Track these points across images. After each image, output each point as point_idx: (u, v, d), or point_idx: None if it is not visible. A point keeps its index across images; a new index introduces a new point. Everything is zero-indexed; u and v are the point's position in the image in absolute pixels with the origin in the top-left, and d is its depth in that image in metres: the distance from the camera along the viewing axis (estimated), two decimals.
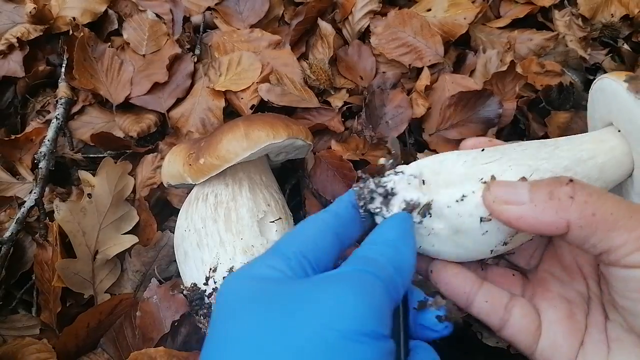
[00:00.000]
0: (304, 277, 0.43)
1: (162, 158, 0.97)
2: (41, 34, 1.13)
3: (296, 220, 0.88)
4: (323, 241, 0.46)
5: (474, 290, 0.52)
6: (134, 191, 0.95)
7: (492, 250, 0.49)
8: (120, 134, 1.04)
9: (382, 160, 0.53)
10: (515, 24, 1.15)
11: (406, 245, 0.45)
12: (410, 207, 0.48)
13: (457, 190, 0.47)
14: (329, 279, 0.40)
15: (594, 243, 0.41)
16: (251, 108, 1.03)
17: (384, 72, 1.08)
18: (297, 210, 0.92)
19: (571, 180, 0.42)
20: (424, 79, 1.03)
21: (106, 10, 1.17)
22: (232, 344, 0.37)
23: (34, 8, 1.10)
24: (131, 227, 0.90)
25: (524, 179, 0.46)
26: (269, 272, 0.42)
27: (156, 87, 1.07)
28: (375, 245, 0.44)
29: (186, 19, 1.18)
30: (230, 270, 0.73)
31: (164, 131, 1.08)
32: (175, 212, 0.91)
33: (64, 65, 1.10)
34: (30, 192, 0.92)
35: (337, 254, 0.47)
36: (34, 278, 0.87)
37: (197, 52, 1.13)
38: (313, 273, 0.44)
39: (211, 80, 1.07)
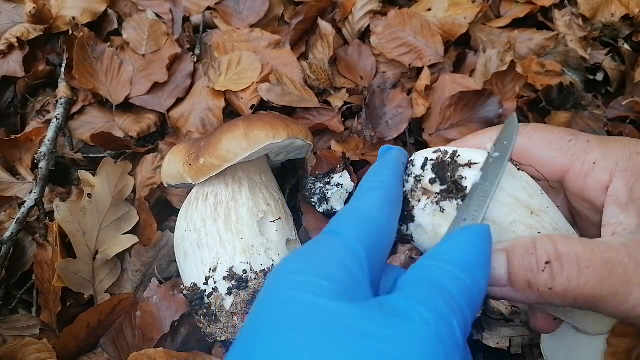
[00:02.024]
0: (364, 297, 0.35)
1: (162, 158, 0.97)
2: (41, 33, 1.13)
3: (296, 220, 0.88)
4: (385, 224, 0.40)
5: None
6: (134, 191, 0.94)
7: None
8: (120, 134, 1.04)
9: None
10: (516, 24, 1.15)
11: (483, 273, 0.38)
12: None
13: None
14: (399, 324, 0.32)
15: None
16: (251, 108, 1.03)
17: (384, 72, 1.08)
18: (297, 210, 0.92)
19: (548, 263, 0.39)
20: (424, 78, 1.03)
21: (106, 10, 1.17)
22: None
23: (34, 8, 1.10)
24: (131, 227, 0.90)
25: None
26: (340, 275, 0.35)
27: (156, 87, 1.07)
28: (447, 266, 0.37)
29: (186, 19, 1.18)
30: (231, 270, 0.73)
31: (164, 131, 1.08)
32: (175, 212, 0.91)
33: (63, 65, 1.10)
34: (30, 192, 0.92)
35: (392, 238, 0.42)
36: (34, 278, 0.87)
37: (197, 52, 1.13)
38: (370, 265, 0.37)
39: (211, 80, 1.07)
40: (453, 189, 0.44)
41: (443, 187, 0.44)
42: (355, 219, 0.40)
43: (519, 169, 0.48)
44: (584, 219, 0.51)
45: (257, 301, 0.36)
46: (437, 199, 0.44)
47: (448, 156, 0.46)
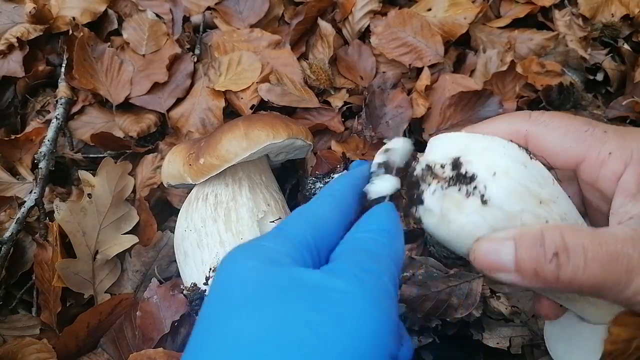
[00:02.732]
0: (311, 265, 0.40)
1: (162, 158, 0.97)
2: (41, 33, 1.13)
3: None
4: (331, 220, 0.44)
5: None
6: (134, 191, 0.94)
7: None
8: (120, 134, 1.04)
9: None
10: (516, 24, 1.15)
11: (399, 234, 0.44)
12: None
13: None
14: (340, 281, 0.36)
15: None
16: (251, 108, 1.03)
17: (384, 72, 1.08)
18: None
19: (556, 254, 0.41)
20: (424, 79, 1.03)
21: (106, 10, 1.17)
22: (238, 342, 0.32)
23: (34, 8, 1.10)
24: (131, 227, 0.90)
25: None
26: (275, 256, 0.38)
27: (156, 87, 1.07)
28: (371, 234, 0.42)
29: (186, 19, 1.18)
30: None
31: (164, 131, 1.08)
32: (175, 212, 0.91)
33: (63, 65, 1.10)
34: (30, 192, 0.92)
35: (342, 232, 0.45)
36: (34, 278, 0.87)
37: (197, 52, 1.13)
38: (318, 255, 0.41)
39: (211, 80, 1.07)
40: (461, 177, 0.45)
41: (452, 174, 0.45)
42: (301, 220, 0.44)
43: (531, 158, 0.48)
44: (595, 209, 0.51)
45: (210, 287, 0.39)
46: (445, 185, 0.45)
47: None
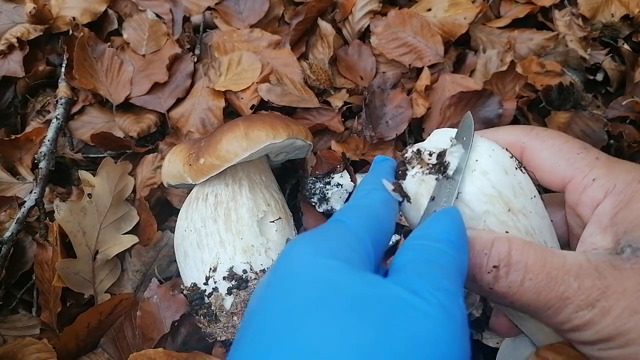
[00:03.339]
0: (373, 263, 0.38)
1: (162, 158, 0.97)
2: (41, 33, 1.13)
3: (296, 220, 0.88)
4: (386, 216, 0.42)
5: None
6: (134, 191, 0.94)
7: None
8: (120, 134, 1.04)
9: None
10: (516, 24, 1.15)
11: (466, 246, 0.41)
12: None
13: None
14: (419, 305, 0.34)
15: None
16: (251, 108, 1.03)
17: (384, 72, 1.08)
18: (297, 210, 0.92)
19: (496, 267, 0.42)
20: (424, 79, 1.03)
21: (106, 10, 1.17)
22: (311, 350, 0.30)
23: (34, 8, 1.10)
24: (131, 227, 0.90)
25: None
26: (346, 253, 0.36)
27: (156, 87, 1.07)
28: (440, 245, 0.39)
29: (186, 19, 1.18)
30: (231, 270, 0.73)
31: (164, 131, 1.08)
32: (175, 212, 0.91)
33: (63, 65, 1.10)
34: (31, 192, 0.92)
35: (391, 234, 0.44)
36: (34, 278, 0.87)
37: (197, 52, 1.13)
38: (374, 252, 0.39)
39: (211, 80, 1.07)
40: (440, 167, 0.46)
41: (434, 162, 0.46)
42: (360, 212, 0.42)
43: (517, 169, 0.48)
44: (574, 236, 0.51)
45: (270, 280, 0.36)
46: (426, 171, 0.46)
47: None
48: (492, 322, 0.56)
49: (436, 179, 0.46)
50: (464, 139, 0.48)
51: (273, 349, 0.30)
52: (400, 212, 0.49)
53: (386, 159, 0.51)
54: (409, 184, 0.47)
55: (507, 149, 0.49)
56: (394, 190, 0.46)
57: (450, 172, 0.45)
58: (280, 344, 0.30)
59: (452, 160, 0.46)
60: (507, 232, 0.45)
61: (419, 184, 0.46)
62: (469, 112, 0.51)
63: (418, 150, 0.48)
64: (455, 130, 0.50)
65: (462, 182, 0.45)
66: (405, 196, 0.47)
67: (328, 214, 0.90)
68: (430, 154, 0.47)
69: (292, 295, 0.33)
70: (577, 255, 0.43)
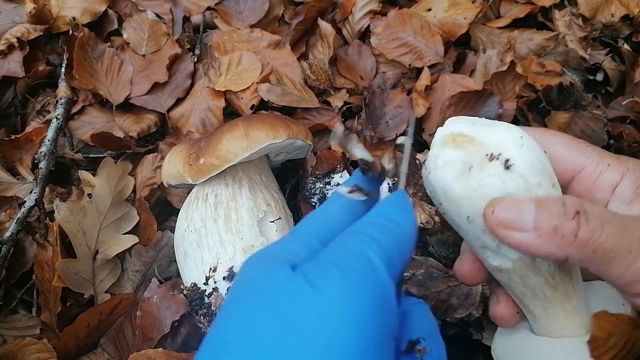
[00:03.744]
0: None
1: (162, 158, 0.97)
2: (41, 33, 1.13)
3: (296, 220, 0.88)
4: (338, 217, 0.44)
5: None
6: (134, 191, 0.94)
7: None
8: (121, 134, 1.04)
9: (400, 140, 0.51)
10: (516, 24, 1.15)
11: (408, 223, 0.43)
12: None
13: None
14: (329, 273, 0.36)
15: (593, 271, 0.44)
16: (251, 108, 1.03)
17: (384, 72, 1.08)
18: (297, 210, 0.92)
19: (577, 213, 0.42)
20: (424, 79, 1.03)
21: (106, 10, 1.17)
22: (231, 341, 0.34)
23: (34, 8, 1.10)
24: (131, 227, 0.90)
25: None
26: (287, 255, 0.39)
27: (156, 87, 1.07)
28: (374, 219, 0.42)
29: (186, 19, 1.18)
30: (231, 270, 0.73)
31: (164, 131, 1.08)
32: (176, 212, 0.91)
33: (64, 65, 1.10)
34: (31, 192, 0.92)
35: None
36: (34, 278, 0.87)
37: (197, 52, 1.13)
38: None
39: (211, 80, 1.07)
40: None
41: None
42: (312, 217, 0.45)
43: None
44: None
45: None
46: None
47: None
48: (492, 310, 0.55)
49: (485, 153, 0.46)
50: (408, 128, 0.51)
51: (210, 342, 0.36)
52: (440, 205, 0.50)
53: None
54: (453, 155, 0.47)
55: None
56: (350, 191, 0.47)
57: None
58: (215, 338, 0.35)
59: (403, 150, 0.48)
60: None
61: (467, 155, 0.47)
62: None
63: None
64: (470, 118, 0.51)
65: (511, 154, 0.45)
66: (367, 194, 0.48)
67: None
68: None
69: (231, 296, 0.38)
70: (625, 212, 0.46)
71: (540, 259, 0.46)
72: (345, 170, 0.91)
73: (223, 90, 1.05)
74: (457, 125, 0.49)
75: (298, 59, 1.09)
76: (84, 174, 0.95)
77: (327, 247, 0.40)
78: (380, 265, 0.37)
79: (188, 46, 1.13)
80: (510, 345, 0.55)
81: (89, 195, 0.88)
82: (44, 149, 0.97)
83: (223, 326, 0.36)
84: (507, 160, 0.45)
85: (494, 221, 0.44)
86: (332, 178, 0.89)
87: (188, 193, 0.86)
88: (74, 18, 1.13)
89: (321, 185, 0.89)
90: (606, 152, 0.51)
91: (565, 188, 0.51)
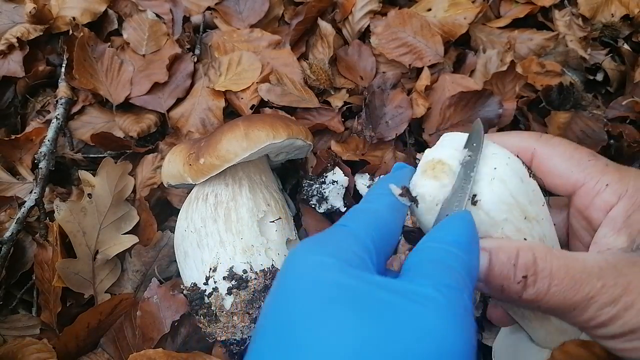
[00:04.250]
0: (374, 267, 0.38)
1: (162, 158, 0.97)
2: (41, 33, 1.13)
3: (296, 221, 0.88)
4: (392, 221, 0.43)
5: None
6: (134, 191, 0.94)
7: None
8: (121, 134, 1.04)
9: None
10: (516, 24, 1.15)
11: (476, 248, 0.43)
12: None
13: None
14: (421, 300, 0.34)
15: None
16: (251, 108, 1.03)
17: (384, 72, 1.08)
18: (297, 209, 0.92)
19: (525, 277, 0.43)
20: (424, 79, 1.03)
21: (106, 10, 1.17)
22: (314, 354, 0.30)
23: (34, 8, 1.10)
24: (131, 227, 0.90)
25: None
26: (348, 255, 0.37)
27: (156, 87, 1.07)
28: (448, 247, 0.40)
29: (186, 19, 1.18)
30: (231, 270, 0.73)
31: (164, 131, 1.08)
32: (176, 212, 0.91)
33: (64, 65, 1.10)
34: (31, 192, 0.92)
35: (397, 238, 0.45)
36: (34, 278, 0.87)
37: (197, 52, 1.13)
38: (377, 256, 0.40)
39: (211, 80, 1.07)
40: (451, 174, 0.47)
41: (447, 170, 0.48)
42: (365, 216, 0.43)
43: (530, 176, 0.49)
44: (577, 239, 0.53)
45: (276, 284, 0.37)
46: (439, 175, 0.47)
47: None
48: (489, 312, 0.58)
49: (449, 184, 0.46)
50: (474, 145, 0.48)
51: (276, 351, 0.32)
52: (414, 215, 0.49)
53: (405, 166, 0.52)
54: (423, 188, 0.47)
55: (517, 156, 0.50)
56: (400, 194, 0.46)
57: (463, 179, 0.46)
58: (284, 347, 0.31)
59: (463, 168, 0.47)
60: (525, 239, 0.46)
61: (433, 189, 0.47)
62: (479, 119, 0.52)
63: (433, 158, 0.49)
64: (465, 135, 0.50)
65: (480, 189, 0.45)
66: (413, 200, 0.47)
67: (329, 213, 0.90)
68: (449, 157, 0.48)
69: (295, 296, 0.34)
70: (595, 256, 0.45)
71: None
72: (336, 167, 0.91)
73: (223, 90, 1.05)
74: (440, 151, 0.49)
75: (298, 59, 1.09)
76: (84, 174, 0.95)
77: (414, 269, 0.38)
78: (470, 304, 0.36)
79: (188, 46, 1.13)
80: (507, 344, 0.59)
81: (89, 195, 0.88)
82: (44, 149, 0.97)
83: (293, 340, 0.31)
84: (474, 196, 0.45)
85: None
86: (326, 177, 0.90)
87: (188, 193, 0.86)
88: (74, 18, 1.13)
89: (317, 185, 0.89)
90: (609, 168, 0.49)
91: (569, 198, 0.51)
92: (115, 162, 0.95)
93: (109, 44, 1.12)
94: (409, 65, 1.07)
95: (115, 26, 1.17)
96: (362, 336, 0.31)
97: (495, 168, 0.46)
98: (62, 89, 1.08)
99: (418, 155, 0.97)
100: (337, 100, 1.05)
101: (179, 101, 1.07)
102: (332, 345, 0.30)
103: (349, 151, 0.97)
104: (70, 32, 1.10)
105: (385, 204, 0.45)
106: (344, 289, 0.33)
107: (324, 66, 1.05)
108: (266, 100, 1.02)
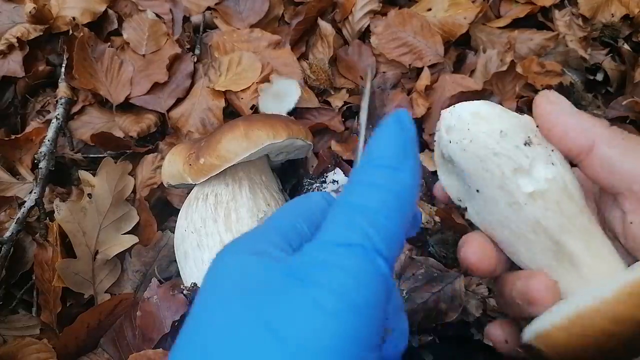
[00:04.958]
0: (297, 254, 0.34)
1: (162, 158, 0.97)
2: (41, 33, 1.13)
3: None
4: (318, 212, 0.38)
5: None
6: (134, 191, 0.94)
7: None
8: (120, 134, 1.04)
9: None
10: (516, 24, 1.15)
11: (406, 160, 0.34)
12: None
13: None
14: (312, 266, 0.31)
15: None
16: (251, 108, 1.03)
17: (384, 72, 1.08)
18: None
19: None
20: (424, 79, 1.03)
21: (106, 10, 1.16)
22: (207, 341, 0.30)
23: (34, 8, 1.10)
24: (131, 227, 0.90)
25: None
26: (267, 247, 0.34)
27: (156, 87, 1.07)
28: (364, 177, 0.34)
29: (186, 19, 1.18)
30: None
31: (164, 131, 1.08)
32: (176, 212, 0.91)
33: (63, 65, 1.10)
34: (31, 192, 0.92)
35: None
36: (34, 278, 0.87)
37: (197, 52, 1.13)
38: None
39: (211, 80, 1.07)
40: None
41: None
42: (290, 205, 0.40)
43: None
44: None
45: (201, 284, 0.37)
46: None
47: None
48: (489, 332, 0.50)
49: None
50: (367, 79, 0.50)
51: (190, 343, 0.31)
52: None
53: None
54: None
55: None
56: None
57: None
58: (197, 340, 0.31)
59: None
60: None
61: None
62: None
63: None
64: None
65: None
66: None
67: None
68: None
69: (208, 292, 0.33)
70: None
71: (571, 184, 0.42)
72: (337, 167, 0.91)
73: (223, 90, 1.05)
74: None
75: (298, 59, 1.09)
76: (84, 174, 0.95)
77: (317, 233, 0.34)
78: (378, 259, 0.31)
79: (188, 46, 1.13)
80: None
81: (89, 195, 0.88)
82: (44, 149, 0.97)
83: (200, 336, 0.31)
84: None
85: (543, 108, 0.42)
86: (327, 176, 0.90)
87: (188, 193, 0.86)
88: (74, 18, 1.12)
89: (318, 185, 0.89)
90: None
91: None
92: (115, 162, 0.95)
93: (109, 44, 1.12)
94: (409, 65, 1.07)
95: (115, 26, 1.17)
96: (238, 328, 0.29)
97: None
98: (62, 89, 1.08)
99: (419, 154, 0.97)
100: (337, 100, 1.05)
101: (178, 101, 1.07)
102: (216, 342, 0.29)
103: (349, 151, 0.97)
104: (70, 32, 1.10)
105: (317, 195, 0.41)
106: (237, 278, 0.32)
107: (323, 66, 1.05)
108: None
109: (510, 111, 0.45)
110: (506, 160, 0.42)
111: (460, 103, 0.45)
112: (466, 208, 0.47)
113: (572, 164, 0.45)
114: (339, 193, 0.43)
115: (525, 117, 0.46)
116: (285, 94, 1.00)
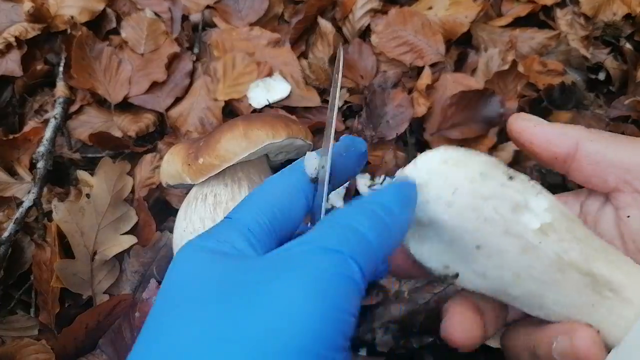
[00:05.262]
0: (262, 255, 0.34)
1: (161, 158, 0.96)
2: (39, 32, 1.12)
3: None
4: (290, 204, 0.39)
5: None
6: (132, 191, 0.94)
7: None
8: (119, 134, 1.03)
9: None
10: (517, 23, 1.15)
11: (404, 211, 0.35)
12: None
13: None
14: (280, 263, 0.31)
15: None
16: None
17: (384, 71, 1.08)
18: None
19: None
20: (425, 78, 1.03)
21: (104, 9, 1.16)
22: (160, 343, 0.30)
23: (32, 7, 1.09)
24: (130, 228, 0.90)
25: None
26: (223, 247, 0.34)
27: (155, 86, 1.07)
28: (360, 208, 0.35)
29: (185, 18, 1.18)
30: None
31: (162, 131, 1.08)
32: (174, 212, 0.90)
33: (62, 64, 1.10)
34: (29, 192, 0.91)
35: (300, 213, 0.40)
36: (32, 279, 0.87)
37: (196, 50, 1.12)
38: (278, 239, 0.37)
39: (211, 91, 1.06)
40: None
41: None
42: (249, 204, 0.40)
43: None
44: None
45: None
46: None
47: None
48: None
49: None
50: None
51: (142, 346, 0.31)
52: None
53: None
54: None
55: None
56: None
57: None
58: (148, 340, 0.31)
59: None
60: None
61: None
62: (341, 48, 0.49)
63: None
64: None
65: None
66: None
67: (329, 212, 0.90)
68: None
69: (164, 292, 0.33)
70: None
71: (564, 206, 0.39)
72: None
73: (226, 99, 1.04)
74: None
75: (298, 57, 1.09)
76: (82, 174, 0.94)
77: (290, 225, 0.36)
78: (353, 265, 0.31)
79: (187, 45, 1.13)
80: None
81: (87, 195, 0.88)
82: (42, 148, 0.96)
83: (150, 343, 0.30)
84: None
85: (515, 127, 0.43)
86: None
87: (187, 193, 0.85)
88: (72, 17, 1.12)
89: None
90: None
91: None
92: (114, 162, 0.94)
93: (108, 42, 1.12)
94: (410, 64, 1.06)
95: (114, 25, 1.17)
96: (196, 332, 0.28)
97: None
98: (60, 88, 1.07)
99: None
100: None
101: (177, 100, 1.07)
102: (174, 348, 0.29)
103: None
104: (69, 31, 1.09)
105: (284, 186, 0.42)
106: (194, 281, 0.32)
107: (323, 65, 1.05)
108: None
109: (468, 149, 0.40)
110: (500, 202, 0.37)
111: (414, 159, 0.40)
112: (457, 275, 0.40)
113: (561, 175, 0.44)
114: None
115: (486, 155, 0.40)
116: (273, 87, 0.99)
